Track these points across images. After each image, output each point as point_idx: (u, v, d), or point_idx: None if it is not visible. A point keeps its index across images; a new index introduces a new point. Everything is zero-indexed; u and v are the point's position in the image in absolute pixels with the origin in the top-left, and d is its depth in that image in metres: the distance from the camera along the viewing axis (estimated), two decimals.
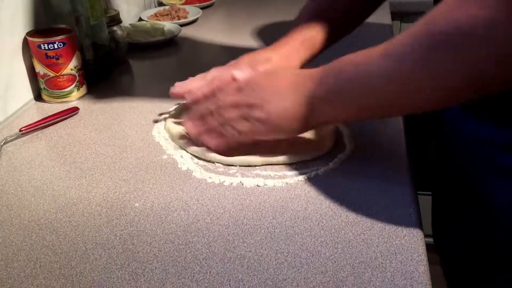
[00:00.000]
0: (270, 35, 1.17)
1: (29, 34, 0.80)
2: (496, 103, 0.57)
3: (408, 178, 0.60)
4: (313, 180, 0.60)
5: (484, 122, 0.60)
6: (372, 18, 0.79)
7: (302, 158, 0.64)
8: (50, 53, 0.78)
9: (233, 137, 0.60)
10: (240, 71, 0.68)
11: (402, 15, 1.47)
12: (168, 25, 1.16)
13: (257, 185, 0.59)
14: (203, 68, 0.74)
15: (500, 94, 0.47)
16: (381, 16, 1.17)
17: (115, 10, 0.99)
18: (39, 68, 0.80)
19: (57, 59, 0.79)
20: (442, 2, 0.46)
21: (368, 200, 0.56)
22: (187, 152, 0.66)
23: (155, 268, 0.48)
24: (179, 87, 0.71)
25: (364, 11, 0.78)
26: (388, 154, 0.65)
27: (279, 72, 0.62)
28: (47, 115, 0.77)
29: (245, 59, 0.72)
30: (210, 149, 0.63)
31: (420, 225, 0.52)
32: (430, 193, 0.78)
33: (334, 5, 0.76)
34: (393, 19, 1.27)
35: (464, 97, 0.48)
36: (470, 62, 0.43)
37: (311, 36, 0.73)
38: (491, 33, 0.41)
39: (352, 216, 0.53)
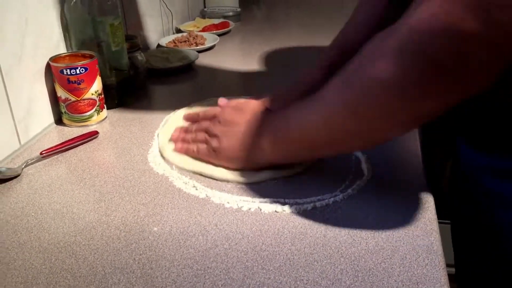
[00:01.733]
0: (284, 61, 1.18)
1: (52, 59, 0.82)
2: (492, 133, 0.58)
3: (428, 205, 0.59)
4: (331, 207, 0.60)
5: (484, 151, 0.60)
6: None
7: (273, 175, 0.66)
8: (72, 78, 0.80)
9: (193, 153, 0.71)
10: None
11: None
12: (186, 51, 1.18)
13: (275, 211, 0.59)
14: (219, 93, 0.79)
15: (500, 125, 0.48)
16: None
17: (135, 37, 1.01)
18: (61, 93, 0.82)
19: (79, 84, 0.80)
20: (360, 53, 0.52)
21: (387, 227, 0.55)
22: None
23: None
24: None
25: None
26: (406, 181, 0.65)
27: (245, 109, 0.69)
28: (67, 139, 0.78)
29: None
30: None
31: (441, 254, 0.51)
32: (449, 221, 0.77)
33: (359, 37, 0.77)
34: None
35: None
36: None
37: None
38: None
39: (372, 244, 0.53)
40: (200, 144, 0.70)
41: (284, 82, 0.91)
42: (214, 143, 0.68)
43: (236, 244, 0.54)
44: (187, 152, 0.71)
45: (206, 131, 0.71)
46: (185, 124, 0.78)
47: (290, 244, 0.54)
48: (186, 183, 0.66)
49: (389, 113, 0.50)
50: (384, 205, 0.59)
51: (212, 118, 0.72)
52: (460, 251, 0.76)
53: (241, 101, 0.74)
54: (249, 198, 0.62)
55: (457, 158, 0.70)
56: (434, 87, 0.45)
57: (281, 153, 0.63)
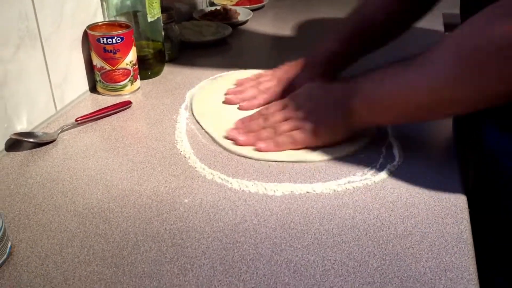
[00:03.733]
0: (317, 37, 1.16)
1: (90, 27, 0.83)
2: None
3: (460, 193, 0.59)
4: (361, 190, 0.60)
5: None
6: (424, 25, 0.79)
7: (338, 154, 0.66)
8: (108, 47, 0.81)
9: (288, 145, 0.67)
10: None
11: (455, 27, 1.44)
12: (219, 25, 1.18)
13: (307, 191, 0.59)
14: (251, 67, 0.80)
15: None
16: (433, 23, 1.16)
17: (171, 9, 1.01)
18: (97, 61, 0.83)
19: (114, 53, 0.81)
20: (472, 19, 0.52)
21: (417, 213, 0.55)
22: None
23: (203, 264, 0.48)
24: (233, 96, 0.81)
25: (411, 14, 0.79)
26: (438, 168, 0.64)
27: (317, 86, 0.70)
28: (101, 107, 0.79)
29: (269, 74, 0.84)
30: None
31: (471, 243, 0.51)
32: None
33: (377, 15, 0.78)
34: (446, 30, 1.25)
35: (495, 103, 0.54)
36: (506, 75, 0.49)
37: (340, 51, 0.79)
38: None
39: (401, 229, 0.53)
40: (294, 132, 0.67)
41: None
42: (308, 124, 0.66)
43: (265, 220, 0.55)
44: (279, 145, 0.67)
45: (287, 119, 0.68)
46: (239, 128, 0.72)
47: (318, 224, 0.54)
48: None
49: (496, 80, 0.50)
50: (414, 190, 0.59)
51: (280, 108, 0.70)
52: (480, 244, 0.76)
53: (272, 87, 0.78)
54: (280, 177, 0.62)
55: (483, 143, 0.69)
56: None
57: (372, 116, 0.63)
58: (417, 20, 0.81)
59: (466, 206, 0.57)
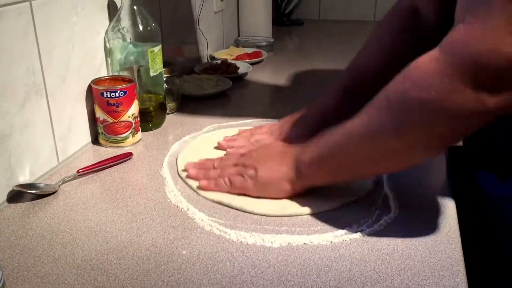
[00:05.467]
0: (315, 91, 1.20)
1: (94, 81, 0.86)
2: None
3: (456, 246, 0.59)
4: (357, 241, 0.60)
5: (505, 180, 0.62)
6: None
7: (329, 206, 0.67)
8: (111, 101, 0.83)
9: (225, 187, 0.70)
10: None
11: None
12: (219, 78, 1.22)
13: (304, 243, 0.60)
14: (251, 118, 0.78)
15: None
16: None
17: (172, 63, 1.05)
18: (100, 114, 0.85)
19: (117, 106, 0.84)
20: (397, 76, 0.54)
21: (413, 265, 0.56)
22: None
23: None
24: (224, 142, 0.85)
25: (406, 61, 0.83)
26: (434, 218, 0.65)
27: (273, 143, 0.76)
28: (102, 159, 0.81)
29: (266, 128, 0.87)
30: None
31: None
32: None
33: (369, 68, 0.81)
34: None
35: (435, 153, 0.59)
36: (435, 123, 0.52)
37: (335, 106, 0.82)
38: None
39: (397, 281, 0.53)
40: (232, 178, 0.70)
41: None
42: (250, 171, 0.69)
43: (262, 272, 0.55)
44: (218, 187, 0.70)
45: (235, 165, 0.71)
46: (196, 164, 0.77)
47: (315, 276, 0.54)
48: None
49: (434, 131, 0.52)
50: (410, 242, 0.60)
51: (237, 156, 0.74)
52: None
53: (262, 143, 0.80)
54: (277, 228, 0.63)
55: (479, 189, 0.70)
56: (478, 104, 0.47)
57: (317, 176, 0.65)
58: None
59: (462, 258, 0.57)
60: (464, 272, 0.55)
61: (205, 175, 0.73)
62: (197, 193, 0.72)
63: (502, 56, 0.44)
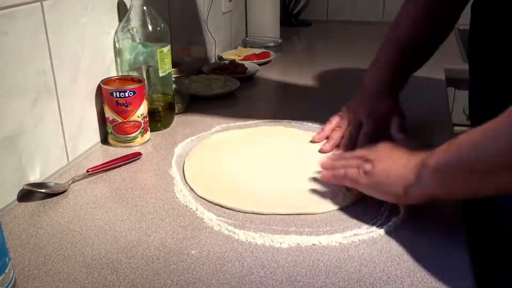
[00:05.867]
0: (322, 91, 1.20)
1: (103, 82, 0.86)
2: None
3: (465, 248, 0.59)
4: (366, 242, 0.60)
5: None
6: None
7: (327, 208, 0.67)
8: (121, 101, 0.84)
9: (340, 178, 0.68)
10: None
11: (456, 82, 1.47)
12: (228, 79, 1.22)
13: (313, 244, 0.60)
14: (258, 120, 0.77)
15: None
16: (435, 75, 1.20)
17: (181, 63, 1.05)
18: (109, 114, 0.85)
19: (126, 106, 0.84)
20: None
21: (423, 267, 0.55)
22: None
23: None
24: (320, 135, 0.88)
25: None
26: (443, 220, 0.64)
27: (401, 144, 0.68)
28: (111, 158, 0.81)
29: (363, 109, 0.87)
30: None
31: None
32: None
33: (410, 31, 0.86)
34: (447, 85, 1.28)
35: None
36: None
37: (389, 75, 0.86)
38: None
39: (407, 283, 0.53)
40: (349, 168, 0.67)
41: (322, 112, 0.94)
42: (368, 166, 0.64)
43: (271, 272, 0.55)
44: (334, 178, 0.69)
45: (358, 157, 0.68)
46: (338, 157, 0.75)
47: (324, 276, 0.54)
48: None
49: None
50: (419, 244, 0.60)
51: (366, 148, 0.71)
52: None
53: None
54: (286, 229, 0.63)
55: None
56: None
57: (443, 184, 0.56)
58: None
59: (471, 260, 0.57)
60: (473, 274, 0.55)
61: (331, 165, 0.71)
62: (200, 197, 0.71)
63: None
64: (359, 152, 0.70)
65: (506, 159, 0.48)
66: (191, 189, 0.73)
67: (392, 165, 0.62)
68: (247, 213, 0.67)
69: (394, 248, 0.59)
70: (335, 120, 0.89)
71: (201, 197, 0.71)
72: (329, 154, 0.76)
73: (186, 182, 0.75)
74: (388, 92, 0.87)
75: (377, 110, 0.85)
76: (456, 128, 1.34)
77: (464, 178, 0.54)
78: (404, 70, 0.88)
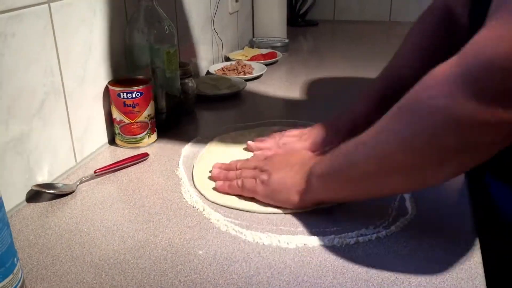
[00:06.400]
0: (329, 92, 1.20)
1: (110, 82, 0.86)
2: None
3: (474, 247, 0.58)
4: (374, 242, 0.60)
5: None
6: None
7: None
8: (128, 102, 0.84)
9: (237, 189, 0.70)
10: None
11: None
12: (234, 79, 1.22)
13: (320, 244, 0.60)
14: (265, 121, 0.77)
15: None
16: None
17: (188, 64, 1.06)
18: (116, 115, 0.86)
19: (134, 107, 0.85)
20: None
21: (431, 267, 0.55)
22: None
23: None
24: (254, 144, 0.85)
25: None
26: (452, 221, 0.64)
27: (299, 152, 0.74)
28: (119, 159, 0.81)
29: (296, 131, 0.86)
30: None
31: None
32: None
33: (406, 68, 0.78)
34: None
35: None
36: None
37: (368, 115, 0.79)
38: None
39: (414, 283, 0.53)
40: (245, 179, 0.70)
41: (327, 114, 0.93)
42: (264, 176, 0.68)
43: (278, 273, 0.55)
44: (230, 189, 0.71)
45: (254, 168, 0.71)
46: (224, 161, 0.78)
47: (332, 277, 0.54)
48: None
49: (442, 144, 0.47)
50: (427, 244, 0.59)
51: (261, 159, 0.74)
52: None
53: (289, 147, 0.79)
54: (293, 229, 0.63)
55: (489, 196, 0.69)
56: (488, 116, 0.43)
57: (328, 190, 0.62)
58: None
59: (481, 260, 0.56)
60: (483, 275, 0.54)
61: (225, 176, 0.73)
62: (206, 198, 0.71)
63: None
64: (254, 162, 0.73)
65: (372, 167, 0.54)
66: (201, 194, 0.72)
67: (286, 174, 0.66)
68: (258, 213, 0.67)
69: (401, 248, 0.59)
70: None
71: (212, 202, 0.70)
72: (218, 165, 0.76)
73: (195, 187, 0.74)
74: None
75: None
76: None
77: (342, 184, 0.60)
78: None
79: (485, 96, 0.43)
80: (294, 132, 0.86)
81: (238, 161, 0.76)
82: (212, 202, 0.70)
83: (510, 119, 0.43)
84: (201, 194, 0.72)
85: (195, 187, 0.75)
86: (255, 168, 0.71)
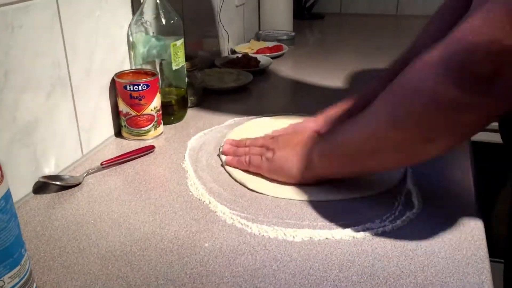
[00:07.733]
0: (335, 84, 1.19)
1: (117, 75, 0.86)
2: None
3: (480, 242, 0.58)
4: (380, 237, 0.60)
5: None
6: None
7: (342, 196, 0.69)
8: (134, 94, 0.84)
9: (243, 164, 0.75)
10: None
11: None
12: (240, 72, 1.22)
13: (326, 238, 0.60)
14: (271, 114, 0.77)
15: None
16: None
17: (194, 57, 1.05)
18: (123, 107, 0.86)
19: (140, 99, 0.85)
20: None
21: (437, 262, 0.55)
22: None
23: None
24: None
25: None
26: (458, 216, 0.64)
27: (305, 131, 0.77)
28: (125, 151, 0.82)
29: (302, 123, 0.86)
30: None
31: None
32: (502, 260, 0.75)
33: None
34: None
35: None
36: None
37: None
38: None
39: (421, 278, 0.53)
40: (252, 155, 0.74)
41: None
42: (269, 154, 0.72)
43: (284, 266, 0.55)
44: (238, 164, 0.75)
45: (261, 146, 0.75)
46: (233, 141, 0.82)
47: (338, 270, 0.54)
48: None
49: (428, 123, 0.52)
50: (434, 239, 0.59)
51: (268, 138, 0.77)
52: None
53: (298, 123, 0.81)
54: (299, 223, 0.63)
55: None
56: (469, 99, 0.47)
57: (326, 166, 0.67)
58: None
59: (487, 255, 0.56)
60: (489, 270, 0.54)
61: (234, 152, 0.78)
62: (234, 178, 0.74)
63: (499, 47, 0.43)
64: (261, 141, 0.77)
65: (366, 144, 0.60)
66: (229, 174, 0.75)
67: (290, 152, 0.71)
68: (254, 191, 0.70)
69: (408, 242, 0.59)
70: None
71: (241, 184, 0.73)
72: (229, 141, 0.82)
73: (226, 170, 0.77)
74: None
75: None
76: None
77: (340, 160, 0.65)
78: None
79: (468, 79, 0.46)
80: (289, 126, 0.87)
81: (248, 139, 0.81)
82: (241, 184, 0.73)
83: (492, 100, 0.47)
84: (229, 174, 0.76)
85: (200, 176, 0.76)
86: (262, 146, 0.75)
